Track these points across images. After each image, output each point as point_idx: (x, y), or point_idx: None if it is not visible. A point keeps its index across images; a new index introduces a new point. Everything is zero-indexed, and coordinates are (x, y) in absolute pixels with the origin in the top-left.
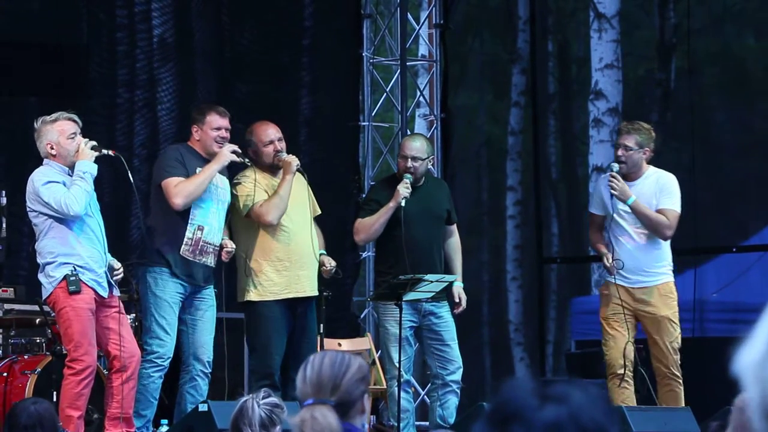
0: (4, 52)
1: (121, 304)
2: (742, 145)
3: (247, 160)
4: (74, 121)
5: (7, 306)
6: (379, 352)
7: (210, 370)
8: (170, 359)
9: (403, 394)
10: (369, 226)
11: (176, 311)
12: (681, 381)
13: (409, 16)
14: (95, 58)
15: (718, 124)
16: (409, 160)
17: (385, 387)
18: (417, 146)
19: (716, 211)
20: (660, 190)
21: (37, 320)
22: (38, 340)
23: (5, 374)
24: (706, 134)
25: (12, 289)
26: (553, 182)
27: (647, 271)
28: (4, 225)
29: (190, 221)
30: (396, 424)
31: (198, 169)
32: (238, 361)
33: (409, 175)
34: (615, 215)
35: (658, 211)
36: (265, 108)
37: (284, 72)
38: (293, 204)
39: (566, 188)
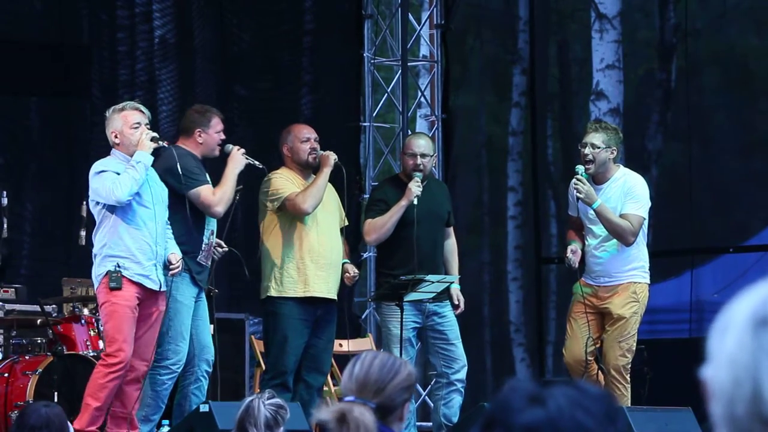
0: (6, 51)
1: (162, 306)
2: (743, 145)
3: (258, 163)
4: (141, 111)
5: (8, 306)
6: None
7: (211, 370)
8: (184, 364)
9: None
10: (381, 225)
11: (191, 316)
12: (625, 385)
13: (410, 16)
14: (96, 59)
15: (719, 124)
16: (418, 157)
17: None
18: (423, 144)
19: (717, 212)
20: (625, 194)
21: (38, 320)
22: (39, 341)
23: (6, 375)
24: (707, 134)
25: (13, 289)
26: (553, 182)
27: (615, 274)
28: (5, 225)
29: (206, 226)
30: None
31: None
32: (239, 361)
33: (419, 173)
34: (583, 218)
35: (622, 216)
36: (266, 108)
37: (285, 72)
38: (321, 207)
39: (566, 189)
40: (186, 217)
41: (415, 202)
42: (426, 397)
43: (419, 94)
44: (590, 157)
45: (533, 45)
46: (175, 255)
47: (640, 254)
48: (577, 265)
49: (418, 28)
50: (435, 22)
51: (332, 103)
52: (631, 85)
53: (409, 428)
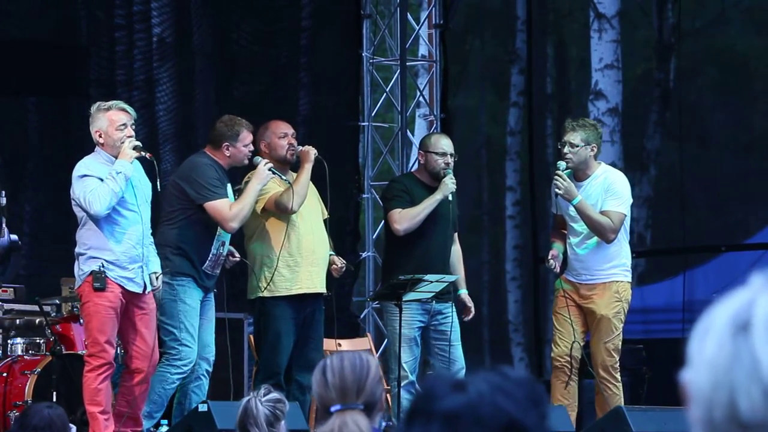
0: (4, 52)
1: (154, 305)
2: (741, 144)
3: (284, 176)
4: (126, 111)
5: (7, 306)
6: (379, 352)
7: (212, 370)
8: (193, 364)
9: (407, 395)
10: (414, 215)
11: (198, 317)
12: (616, 384)
13: (409, 16)
14: (94, 58)
15: (717, 123)
16: (448, 156)
17: (387, 387)
18: (450, 144)
19: (715, 212)
20: (605, 191)
21: (37, 320)
22: (38, 341)
23: (5, 374)
24: (706, 133)
25: (12, 289)
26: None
27: (596, 271)
28: (4, 225)
29: (216, 237)
30: (396, 423)
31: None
32: (238, 361)
33: (450, 170)
34: (565, 215)
35: (602, 213)
36: (264, 108)
37: (283, 72)
38: (305, 203)
39: None
40: (193, 223)
41: (450, 198)
42: None
43: (418, 93)
44: (570, 156)
45: (531, 45)
46: (157, 274)
47: (621, 252)
48: (558, 269)
49: (417, 28)
50: (434, 22)
51: (331, 103)
52: (630, 85)
53: None
